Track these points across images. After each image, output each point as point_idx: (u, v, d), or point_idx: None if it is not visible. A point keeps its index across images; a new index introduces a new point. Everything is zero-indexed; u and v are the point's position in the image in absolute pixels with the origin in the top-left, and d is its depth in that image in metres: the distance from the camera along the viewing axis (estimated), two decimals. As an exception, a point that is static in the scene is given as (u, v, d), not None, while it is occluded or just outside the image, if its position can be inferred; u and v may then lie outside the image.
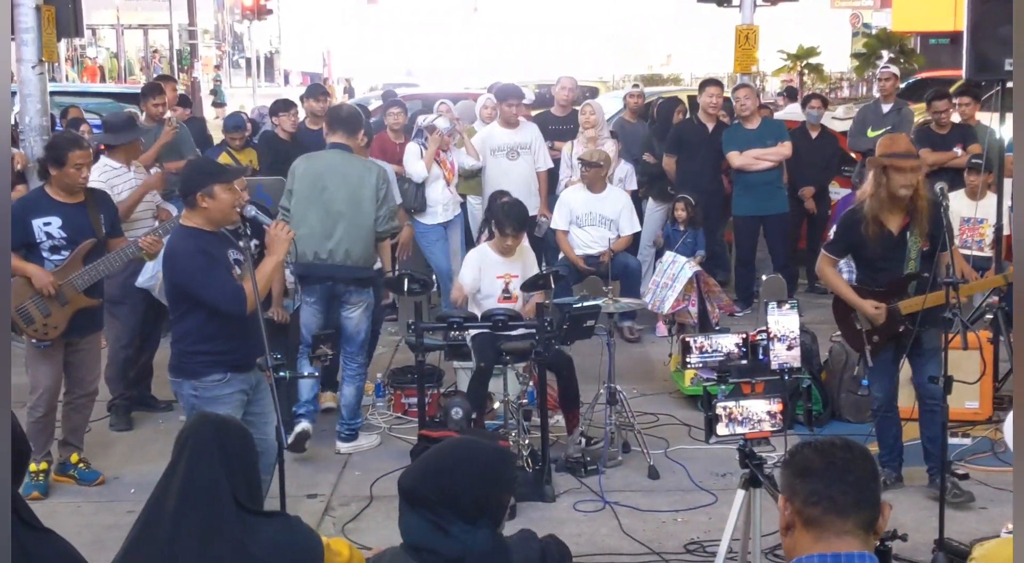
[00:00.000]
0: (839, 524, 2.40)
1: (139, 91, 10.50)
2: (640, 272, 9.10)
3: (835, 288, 6.14)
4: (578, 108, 10.06)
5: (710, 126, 9.95)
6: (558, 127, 10.08)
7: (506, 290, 7.11)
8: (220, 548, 2.66)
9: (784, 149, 9.74)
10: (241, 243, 5.04)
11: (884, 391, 6.03)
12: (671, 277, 8.33)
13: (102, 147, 7.37)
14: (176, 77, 24.84)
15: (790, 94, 19.12)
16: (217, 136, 11.05)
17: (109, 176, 7.01)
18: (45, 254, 6.01)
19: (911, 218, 5.77)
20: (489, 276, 7.14)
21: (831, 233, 9.11)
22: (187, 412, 5.16)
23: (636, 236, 9.47)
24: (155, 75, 26.58)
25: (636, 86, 11.69)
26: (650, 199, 10.18)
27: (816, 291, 10.54)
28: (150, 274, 6.92)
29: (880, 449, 6.11)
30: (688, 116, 10.48)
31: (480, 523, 2.81)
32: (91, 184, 6.74)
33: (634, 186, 9.81)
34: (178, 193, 5.21)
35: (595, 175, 8.91)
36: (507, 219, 7.03)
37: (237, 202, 5.15)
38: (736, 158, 9.70)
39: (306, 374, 6.54)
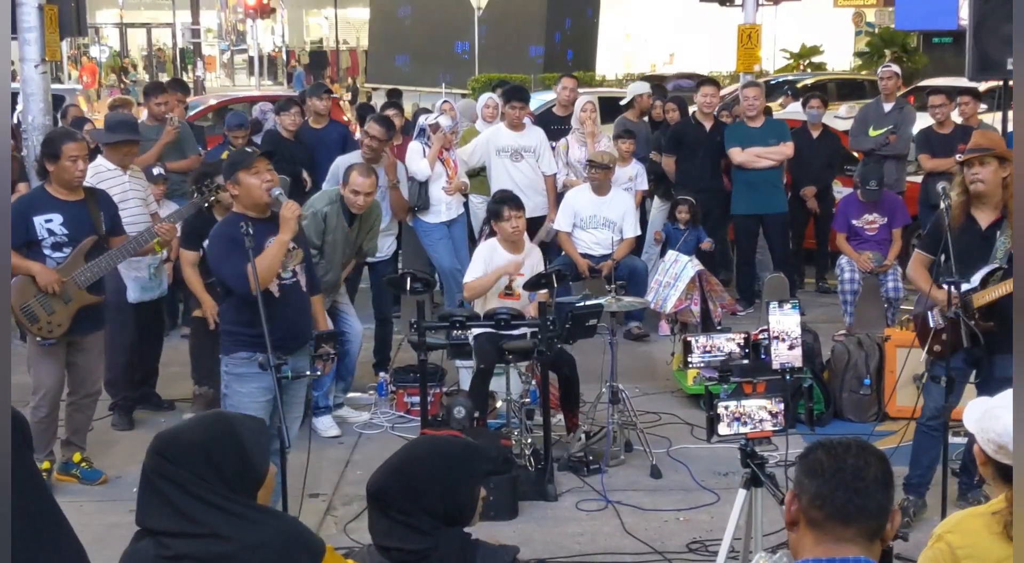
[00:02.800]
0: (840, 530, 2.37)
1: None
2: (647, 274, 9.08)
3: (915, 282, 5.92)
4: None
5: (708, 125, 9.95)
6: (560, 127, 10.06)
7: (508, 287, 7.11)
8: (217, 547, 2.66)
9: (786, 149, 9.72)
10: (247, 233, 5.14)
11: (936, 401, 5.60)
12: (673, 276, 8.33)
13: (96, 145, 7.33)
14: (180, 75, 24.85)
15: (794, 93, 19.09)
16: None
17: (102, 178, 6.81)
18: (47, 251, 6.01)
19: (1003, 216, 5.50)
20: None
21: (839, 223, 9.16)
22: (222, 388, 5.44)
23: (639, 238, 9.46)
24: (160, 76, 26.59)
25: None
26: (656, 198, 10.17)
27: (823, 291, 10.54)
28: (155, 287, 7.06)
29: (911, 470, 5.77)
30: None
31: (451, 521, 2.82)
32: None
33: (645, 186, 9.80)
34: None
35: (605, 176, 8.89)
36: (502, 201, 7.10)
37: (264, 183, 5.23)
38: (737, 155, 9.69)
39: (307, 374, 6.55)
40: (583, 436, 6.64)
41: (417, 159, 8.78)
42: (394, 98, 12.95)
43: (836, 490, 2.38)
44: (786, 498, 2.49)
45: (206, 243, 6.95)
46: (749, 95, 9.95)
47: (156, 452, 2.72)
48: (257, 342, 5.10)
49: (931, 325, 5.71)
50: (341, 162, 7.94)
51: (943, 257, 5.48)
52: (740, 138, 9.75)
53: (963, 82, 9.70)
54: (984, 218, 5.56)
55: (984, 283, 5.46)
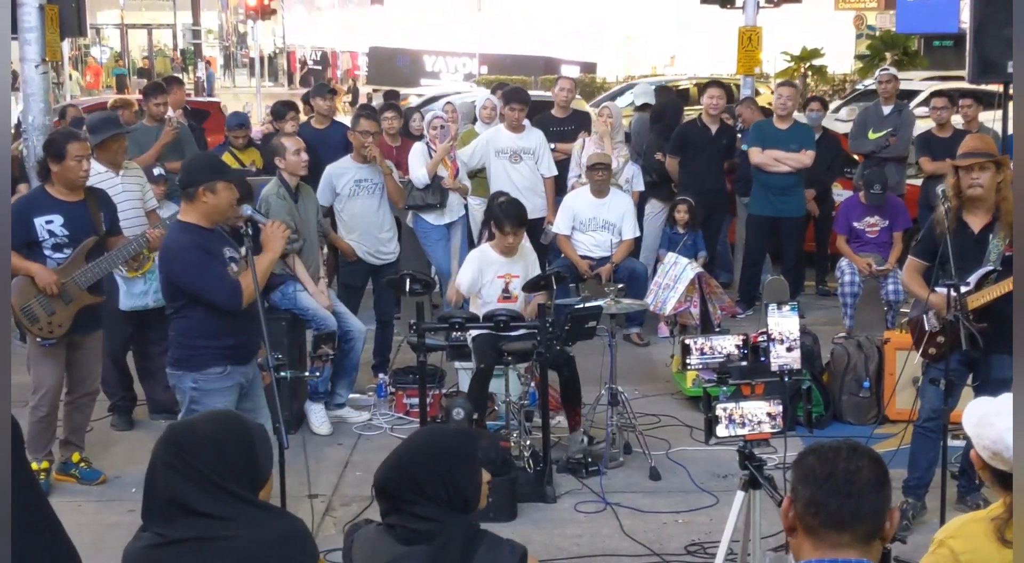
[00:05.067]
0: (835, 536, 2.36)
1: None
2: (646, 276, 9.06)
3: (909, 288, 5.95)
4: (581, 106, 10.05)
5: (713, 128, 9.92)
6: (559, 128, 10.05)
7: (506, 290, 7.12)
8: (218, 549, 2.67)
9: (804, 158, 9.57)
10: (244, 243, 5.11)
11: (932, 403, 5.63)
12: (673, 278, 8.32)
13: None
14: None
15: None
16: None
17: (95, 181, 6.59)
18: (48, 252, 6.01)
19: (995, 219, 5.54)
20: (489, 276, 7.14)
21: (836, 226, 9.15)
22: (185, 405, 5.22)
23: (638, 239, 9.44)
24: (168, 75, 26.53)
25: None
26: (653, 200, 10.14)
27: (823, 293, 10.52)
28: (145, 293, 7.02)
29: (909, 472, 5.79)
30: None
31: (457, 507, 2.84)
32: None
33: (641, 187, 9.77)
34: (179, 185, 5.24)
35: (606, 178, 8.87)
36: (505, 217, 7.05)
37: (234, 201, 5.22)
38: (756, 155, 9.59)
39: (306, 375, 6.58)
40: (585, 438, 6.64)
41: (418, 164, 8.78)
42: (392, 99, 12.94)
43: (829, 497, 2.36)
44: (783, 505, 2.48)
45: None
46: (783, 94, 9.84)
47: (169, 441, 2.76)
48: (229, 354, 5.14)
49: (927, 328, 5.71)
50: (331, 171, 7.92)
51: (940, 260, 5.49)
52: (763, 137, 9.65)
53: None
54: (976, 222, 5.59)
55: (979, 285, 5.47)
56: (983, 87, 9.75)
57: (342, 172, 7.90)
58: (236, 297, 5.05)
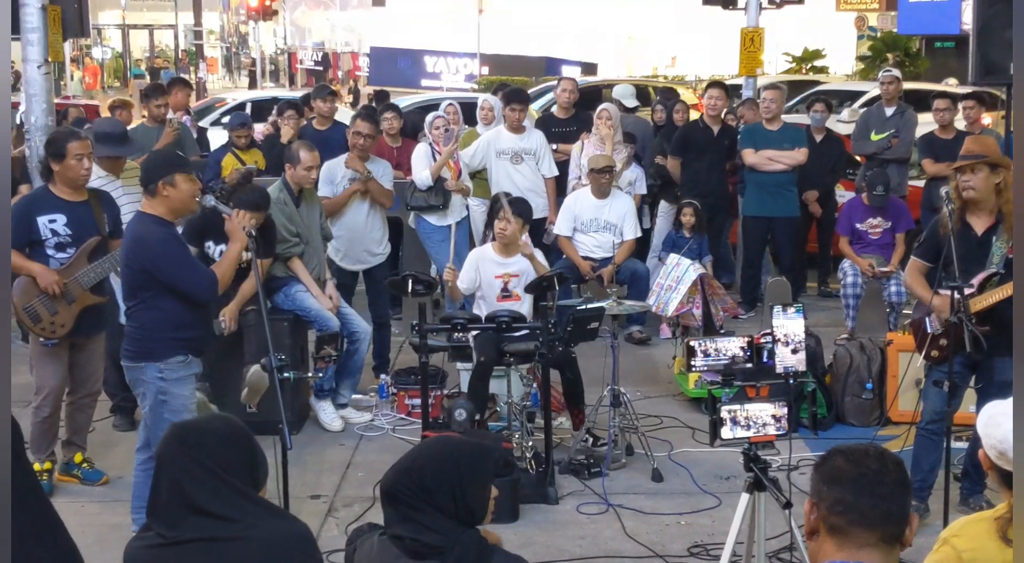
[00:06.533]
0: (864, 536, 2.38)
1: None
2: (648, 278, 9.04)
3: (912, 290, 5.95)
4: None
5: (716, 129, 9.92)
6: (561, 129, 10.03)
7: (505, 289, 7.11)
8: (222, 552, 2.67)
9: (799, 155, 9.64)
10: (250, 244, 5.17)
11: (934, 405, 5.64)
12: (675, 279, 8.30)
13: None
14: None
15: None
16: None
17: (94, 185, 6.53)
18: (50, 252, 5.99)
19: (998, 221, 5.53)
20: (488, 275, 7.14)
21: (836, 228, 9.15)
22: (152, 396, 5.23)
23: (640, 240, 9.42)
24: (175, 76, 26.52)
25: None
26: (663, 203, 10.12)
27: (825, 294, 10.51)
28: None
29: (912, 474, 5.64)
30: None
31: (462, 520, 2.83)
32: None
33: (644, 190, 9.76)
34: (140, 183, 5.30)
35: (609, 181, 8.85)
36: (507, 203, 7.09)
37: (196, 192, 5.27)
38: (750, 156, 9.65)
39: (309, 376, 6.58)
40: (589, 438, 6.63)
41: (421, 166, 8.77)
42: (384, 100, 12.93)
43: (860, 496, 2.39)
44: (804, 508, 2.49)
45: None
46: (767, 97, 9.90)
47: (175, 438, 2.78)
48: (190, 345, 5.25)
49: (928, 331, 5.71)
50: (330, 165, 7.93)
51: (943, 262, 5.48)
52: (755, 139, 9.72)
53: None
54: (979, 224, 5.59)
55: (981, 288, 5.47)
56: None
57: (339, 168, 7.95)
58: (213, 287, 5.22)
